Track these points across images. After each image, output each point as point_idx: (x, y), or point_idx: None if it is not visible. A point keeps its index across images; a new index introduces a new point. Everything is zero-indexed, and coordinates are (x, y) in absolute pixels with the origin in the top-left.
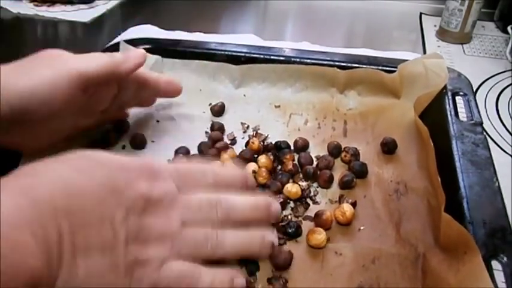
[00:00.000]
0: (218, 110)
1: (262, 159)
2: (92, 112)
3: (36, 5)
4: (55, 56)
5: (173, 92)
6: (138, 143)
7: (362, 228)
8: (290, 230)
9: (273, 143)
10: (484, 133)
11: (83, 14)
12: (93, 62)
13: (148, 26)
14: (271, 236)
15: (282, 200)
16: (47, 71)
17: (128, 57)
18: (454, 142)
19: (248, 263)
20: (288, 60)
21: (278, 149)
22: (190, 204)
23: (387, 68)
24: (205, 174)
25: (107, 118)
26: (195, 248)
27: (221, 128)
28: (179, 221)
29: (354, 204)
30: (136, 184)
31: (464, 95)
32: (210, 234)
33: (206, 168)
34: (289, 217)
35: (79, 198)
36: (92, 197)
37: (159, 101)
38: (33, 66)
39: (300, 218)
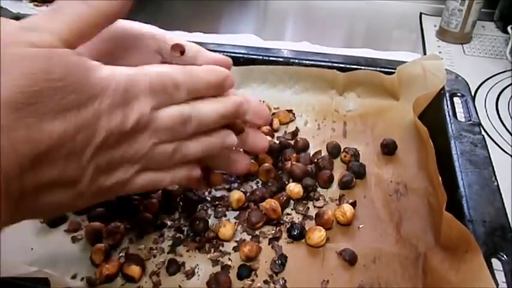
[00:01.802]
0: None
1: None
2: None
3: (36, 5)
4: None
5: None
6: None
7: (361, 226)
8: (295, 233)
9: (276, 142)
10: (482, 133)
11: None
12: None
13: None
14: (232, 138)
15: (285, 198)
16: None
17: None
18: (452, 142)
19: (240, 267)
20: (287, 62)
21: (280, 149)
22: (163, 124)
23: (386, 70)
24: (178, 87)
25: None
26: (162, 162)
27: None
28: (150, 143)
29: (353, 205)
30: (109, 116)
31: (462, 96)
32: (178, 148)
33: (179, 79)
34: (292, 216)
35: (40, 140)
36: (58, 136)
37: None
38: None
39: (300, 216)
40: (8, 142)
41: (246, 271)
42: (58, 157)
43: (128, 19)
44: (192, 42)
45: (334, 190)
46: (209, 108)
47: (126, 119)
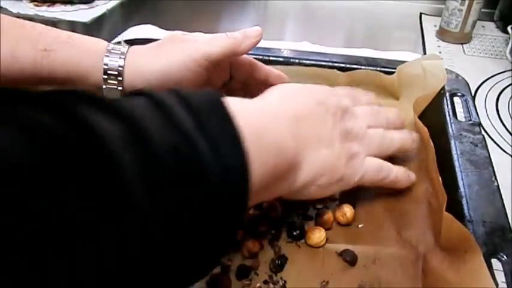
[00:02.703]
0: None
1: None
2: None
3: (36, 5)
4: (184, 39)
5: None
6: None
7: (361, 226)
8: (295, 233)
9: None
10: (483, 133)
11: (83, 14)
12: (218, 44)
13: (148, 26)
14: (413, 134)
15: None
16: (179, 54)
17: (246, 35)
18: (452, 142)
19: (239, 267)
20: (287, 62)
21: None
22: (367, 114)
23: (386, 70)
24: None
25: None
26: (378, 146)
27: None
28: (365, 125)
29: (353, 205)
30: (333, 100)
31: (462, 95)
32: (384, 134)
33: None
34: (292, 216)
35: (303, 108)
36: (309, 108)
37: None
38: (167, 49)
39: (299, 217)
40: None
41: (245, 271)
42: (316, 125)
43: (128, 19)
44: None
45: None
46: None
47: (342, 103)
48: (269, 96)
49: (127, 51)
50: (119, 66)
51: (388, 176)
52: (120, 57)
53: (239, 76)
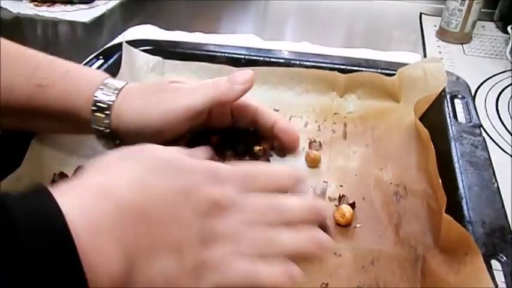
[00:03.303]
0: None
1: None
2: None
3: (36, 5)
4: (167, 90)
5: (289, 141)
6: None
7: (358, 225)
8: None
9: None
10: (483, 135)
11: (83, 14)
12: (200, 94)
13: (148, 26)
14: (324, 236)
15: None
16: (158, 105)
17: (233, 82)
18: (453, 144)
19: None
20: (288, 63)
21: None
22: (250, 208)
23: (387, 72)
24: (258, 177)
25: None
26: (256, 248)
27: None
28: (241, 222)
29: (353, 206)
30: (203, 187)
31: (463, 97)
32: (268, 235)
33: (260, 172)
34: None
35: (155, 200)
36: (165, 199)
37: None
38: (150, 98)
39: None
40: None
41: None
42: (166, 221)
43: (128, 19)
44: (192, 44)
45: (332, 190)
46: (291, 201)
47: (217, 194)
48: (102, 191)
49: (121, 88)
50: (109, 101)
51: (258, 283)
52: (112, 93)
53: (242, 120)
